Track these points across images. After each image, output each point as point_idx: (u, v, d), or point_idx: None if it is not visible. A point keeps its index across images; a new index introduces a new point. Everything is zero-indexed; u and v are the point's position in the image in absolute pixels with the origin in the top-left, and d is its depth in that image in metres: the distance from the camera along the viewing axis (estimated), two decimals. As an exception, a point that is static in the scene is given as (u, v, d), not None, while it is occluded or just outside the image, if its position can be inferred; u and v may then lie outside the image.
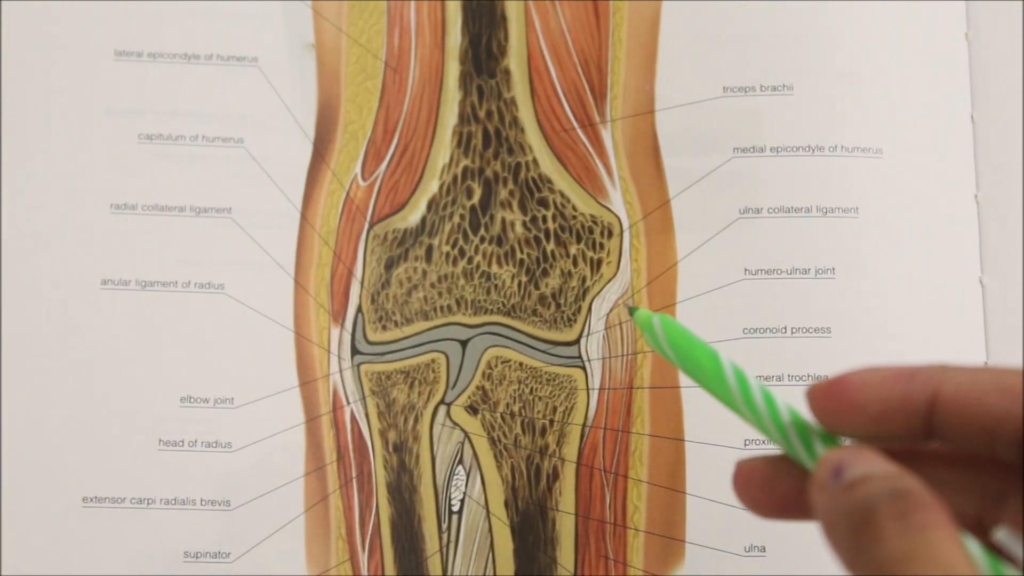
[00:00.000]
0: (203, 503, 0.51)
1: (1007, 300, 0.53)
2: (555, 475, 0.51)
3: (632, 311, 0.40)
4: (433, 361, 0.52)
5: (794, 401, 0.33)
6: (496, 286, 0.52)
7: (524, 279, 0.52)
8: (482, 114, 0.54)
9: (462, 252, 0.53)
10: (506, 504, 0.51)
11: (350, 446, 0.51)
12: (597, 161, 0.54)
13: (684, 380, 0.51)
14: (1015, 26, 0.55)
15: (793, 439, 0.32)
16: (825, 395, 0.31)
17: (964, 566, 0.26)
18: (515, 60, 0.54)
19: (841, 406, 0.31)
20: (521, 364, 0.52)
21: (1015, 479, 0.30)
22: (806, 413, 0.33)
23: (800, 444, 0.32)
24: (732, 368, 0.34)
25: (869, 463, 0.29)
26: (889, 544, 0.27)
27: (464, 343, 0.52)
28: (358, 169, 0.54)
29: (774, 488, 0.33)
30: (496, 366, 0.52)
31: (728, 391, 0.34)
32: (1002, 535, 0.29)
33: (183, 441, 0.51)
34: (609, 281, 0.52)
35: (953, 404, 0.30)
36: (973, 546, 0.28)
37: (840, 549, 0.28)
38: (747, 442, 0.50)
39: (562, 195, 0.53)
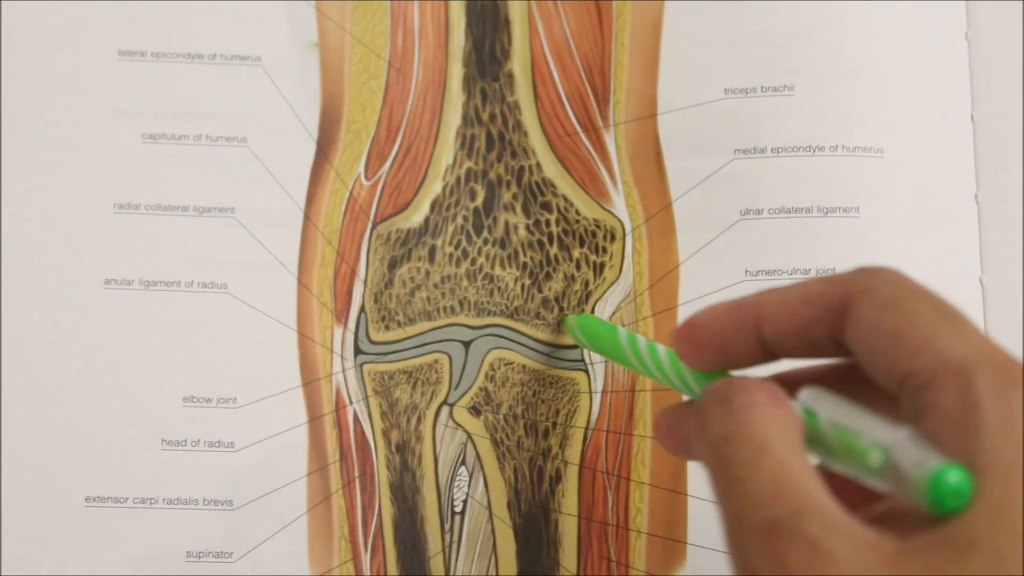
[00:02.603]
0: (206, 503, 0.51)
1: (1007, 300, 0.53)
2: (558, 477, 0.51)
3: (564, 319, 0.51)
4: (436, 362, 0.52)
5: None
6: (499, 288, 0.52)
7: (527, 282, 0.52)
8: (485, 117, 0.54)
9: (465, 253, 0.53)
10: (509, 506, 0.51)
11: (353, 446, 0.51)
12: (600, 165, 0.54)
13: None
14: (1015, 26, 0.55)
15: (690, 384, 0.37)
16: (679, 339, 0.35)
17: (780, 439, 0.29)
18: (518, 64, 0.54)
19: (692, 347, 0.35)
20: (524, 367, 0.52)
21: (857, 398, 0.32)
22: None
23: (695, 387, 0.37)
24: (626, 334, 0.39)
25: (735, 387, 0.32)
26: (713, 427, 0.30)
27: (467, 344, 0.52)
28: (361, 169, 0.54)
29: (677, 431, 0.36)
30: (499, 368, 0.52)
31: (625, 354, 0.40)
32: (804, 395, 0.32)
33: (186, 441, 0.51)
34: (612, 285, 0.52)
35: (773, 324, 0.33)
36: (800, 411, 0.31)
37: (696, 449, 0.32)
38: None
39: (565, 199, 0.53)
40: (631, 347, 0.41)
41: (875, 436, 0.29)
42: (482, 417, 0.52)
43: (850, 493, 0.31)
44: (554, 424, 0.51)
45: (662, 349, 0.38)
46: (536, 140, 0.54)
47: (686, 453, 0.37)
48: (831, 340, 0.32)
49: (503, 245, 0.53)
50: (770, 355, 0.34)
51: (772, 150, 0.53)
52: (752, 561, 0.27)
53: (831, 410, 0.31)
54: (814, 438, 0.31)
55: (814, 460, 0.31)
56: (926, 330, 0.29)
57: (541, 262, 0.53)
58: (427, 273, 0.53)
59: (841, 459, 0.30)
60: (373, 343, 0.52)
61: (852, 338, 0.31)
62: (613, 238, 0.53)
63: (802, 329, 0.32)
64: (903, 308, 0.30)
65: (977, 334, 0.30)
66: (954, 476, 0.26)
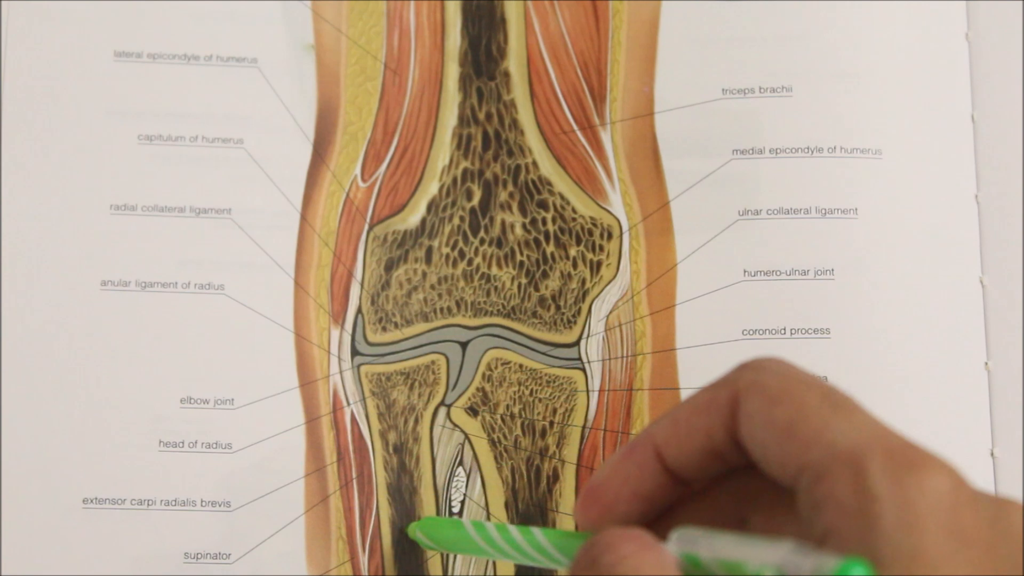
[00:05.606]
0: (203, 504, 0.51)
1: (1007, 300, 0.53)
2: (555, 477, 0.51)
3: (407, 528, 0.49)
4: (433, 363, 0.52)
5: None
6: (496, 288, 0.52)
7: (524, 281, 0.52)
8: (482, 116, 0.54)
9: (462, 254, 0.53)
10: (506, 505, 0.51)
11: (350, 447, 0.51)
12: (597, 163, 0.54)
13: (684, 382, 0.51)
14: (1015, 26, 0.55)
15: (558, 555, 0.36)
16: (586, 508, 0.34)
17: None
18: (515, 62, 0.54)
19: (603, 510, 0.33)
20: (521, 366, 0.52)
21: (754, 503, 0.32)
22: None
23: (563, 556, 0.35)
24: (472, 523, 0.39)
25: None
26: None
27: (464, 345, 0.52)
28: (358, 170, 0.54)
29: None
30: (496, 368, 0.52)
31: (476, 543, 0.39)
32: (676, 538, 0.31)
33: (183, 442, 0.51)
34: (609, 283, 0.52)
35: (673, 447, 0.32)
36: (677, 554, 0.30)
37: None
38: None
39: (562, 197, 0.53)
40: (480, 534, 0.40)
41: (761, 559, 0.28)
42: (479, 417, 0.52)
43: None
44: (551, 423, 0.51)
45: (514, 530, 0.37)
46: (532, 138, 0.54)
47: None
48: (733, 445, 0.31)
49: (500, 244, 0.53)
50: (681, 483, 0.33)
51: (770, 151, 0.53)
52: None
53: (709, 547, 0.30)
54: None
55: None
56: (817, 420, 0.29)
57: (538, 260, 0.52)
58: (424, 274, 0.53)
59: None
60: (370, 344, 0.52)
61: (745, 435, 0.31)
62: (610, 236, 0.53)
63: (702, 442, 0.32)
64: (792, 400, 0.29)
65: (868, 420, 0.29)
66: (855, 571, 0.26)
